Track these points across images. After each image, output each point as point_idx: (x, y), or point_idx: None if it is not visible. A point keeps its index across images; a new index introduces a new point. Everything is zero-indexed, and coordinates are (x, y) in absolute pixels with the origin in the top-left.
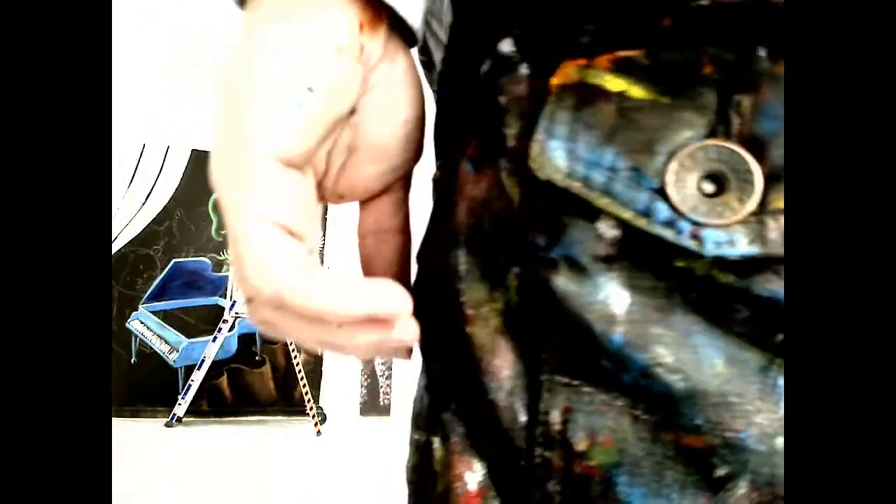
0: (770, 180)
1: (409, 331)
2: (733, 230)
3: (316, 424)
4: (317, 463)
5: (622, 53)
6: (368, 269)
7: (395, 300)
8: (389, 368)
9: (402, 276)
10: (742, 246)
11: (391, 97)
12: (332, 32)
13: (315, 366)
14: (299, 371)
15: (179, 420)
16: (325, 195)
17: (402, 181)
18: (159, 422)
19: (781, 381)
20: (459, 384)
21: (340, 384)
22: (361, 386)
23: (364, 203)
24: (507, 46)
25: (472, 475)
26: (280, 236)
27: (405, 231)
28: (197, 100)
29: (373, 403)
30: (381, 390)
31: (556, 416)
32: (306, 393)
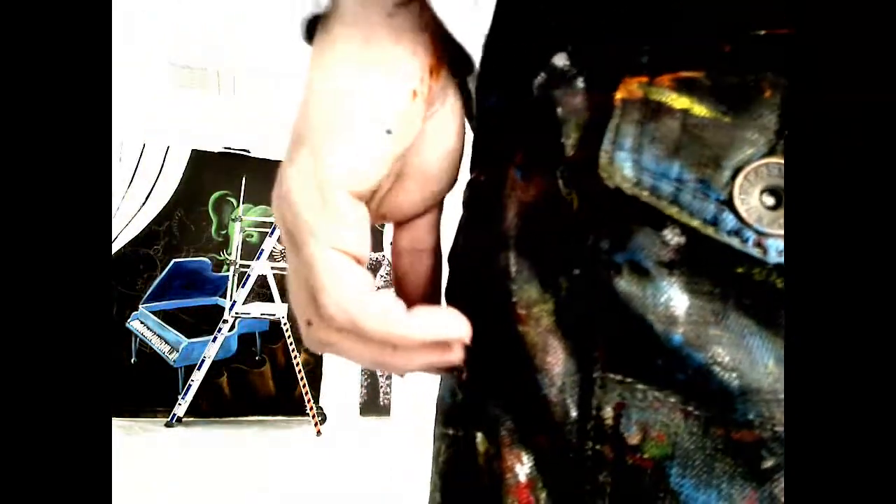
0: None
1: (461, 354)
2: None
3: (316, 424)
4: (317, 463)
5: (684, 74)
6: (402, 285)
7: (460, 327)
8: None
9: (433, 292)
10: None
11: (442, 130)
12: (408, 77)
13: (315, 366)
14: (299, 371)
15: (179, 420)
16: (369, 215)
17: (439, 204)
18: (159, 422)
19: None
20: (509, 381)
21: (340, 384)
22: (361, 386)
23: (400, 224)
24: (561, 60)
25: (522, 467)
26: (353, 265)
27: (437, 250)
28: (197, 100)
29: (373, 403)
30: (381, 390)
31: (608, 412)
32: (306, 393)
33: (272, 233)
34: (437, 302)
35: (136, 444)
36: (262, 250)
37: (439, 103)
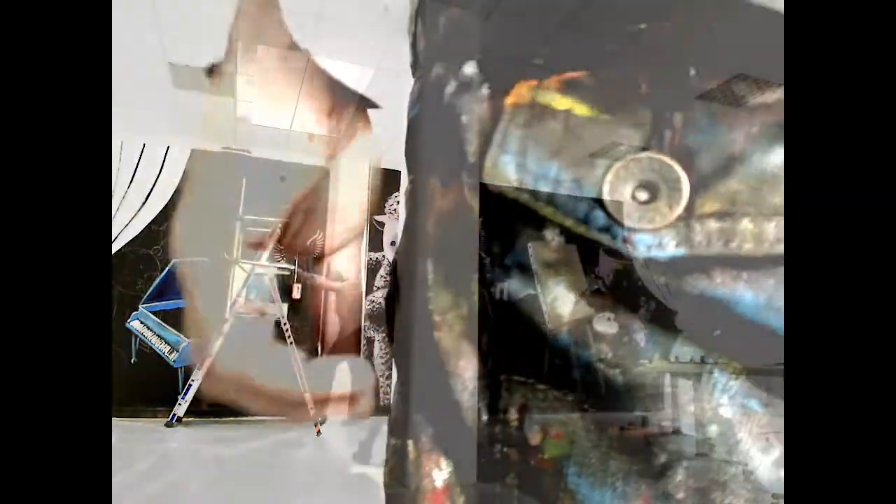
0: (697, 188)
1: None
2: (662, 234)
3: (316, 424)
4: (317, 463)
5: (569, 74)
6: (323, 320)
7: None
8: (389, 368)
9: (355, 325)
10: (670, 248)
11: (351, 166)
12: (304, 120)
13: None
14: (300, 371)
15: (179, 420)
16: (285, 250)
17: (357, 238)
18: (159, 422)
19: (715, 374)
20: (429, 387)
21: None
22: None
23: (318, 259)
24: (469, 69)
25: (440, 473)
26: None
27: (357, 285)
28: (197, 100)
29: (373, 403)
30: (381, 390)
31: (513, 414)
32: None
33: (273, 233)
34: (358, 337)
35: (136, 444)
36: (263, 251)
37: (347, 140)
